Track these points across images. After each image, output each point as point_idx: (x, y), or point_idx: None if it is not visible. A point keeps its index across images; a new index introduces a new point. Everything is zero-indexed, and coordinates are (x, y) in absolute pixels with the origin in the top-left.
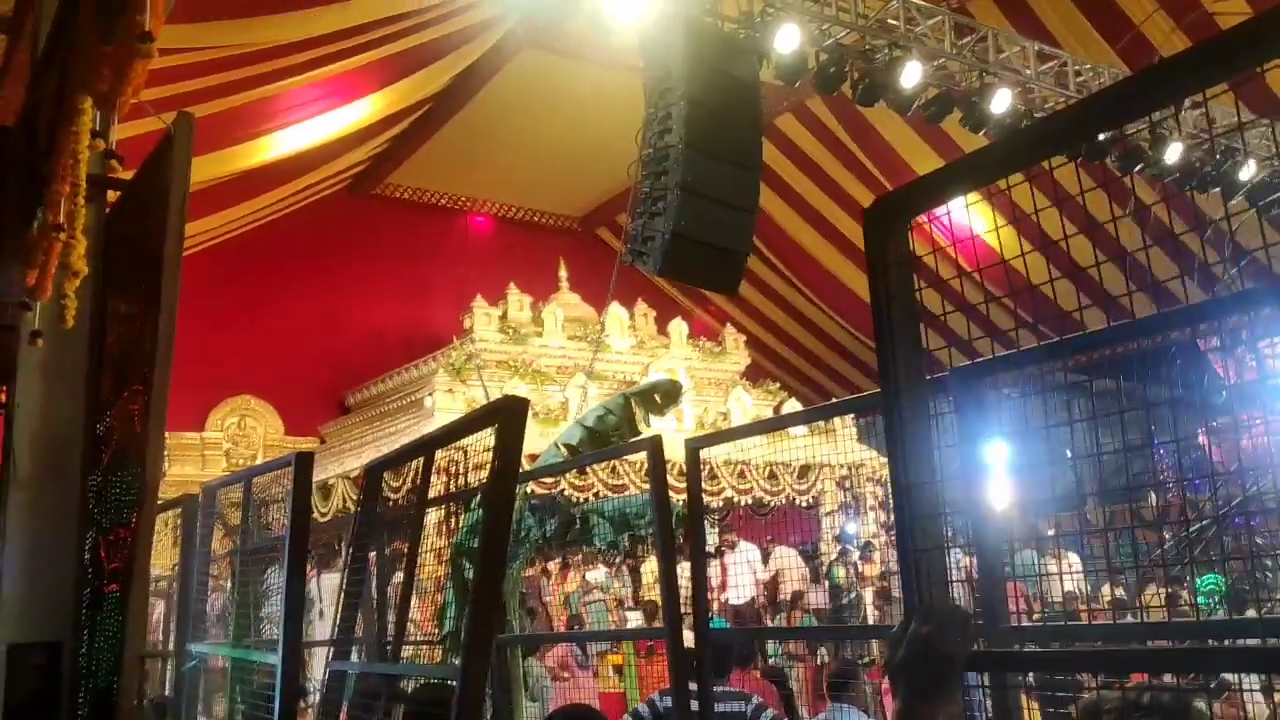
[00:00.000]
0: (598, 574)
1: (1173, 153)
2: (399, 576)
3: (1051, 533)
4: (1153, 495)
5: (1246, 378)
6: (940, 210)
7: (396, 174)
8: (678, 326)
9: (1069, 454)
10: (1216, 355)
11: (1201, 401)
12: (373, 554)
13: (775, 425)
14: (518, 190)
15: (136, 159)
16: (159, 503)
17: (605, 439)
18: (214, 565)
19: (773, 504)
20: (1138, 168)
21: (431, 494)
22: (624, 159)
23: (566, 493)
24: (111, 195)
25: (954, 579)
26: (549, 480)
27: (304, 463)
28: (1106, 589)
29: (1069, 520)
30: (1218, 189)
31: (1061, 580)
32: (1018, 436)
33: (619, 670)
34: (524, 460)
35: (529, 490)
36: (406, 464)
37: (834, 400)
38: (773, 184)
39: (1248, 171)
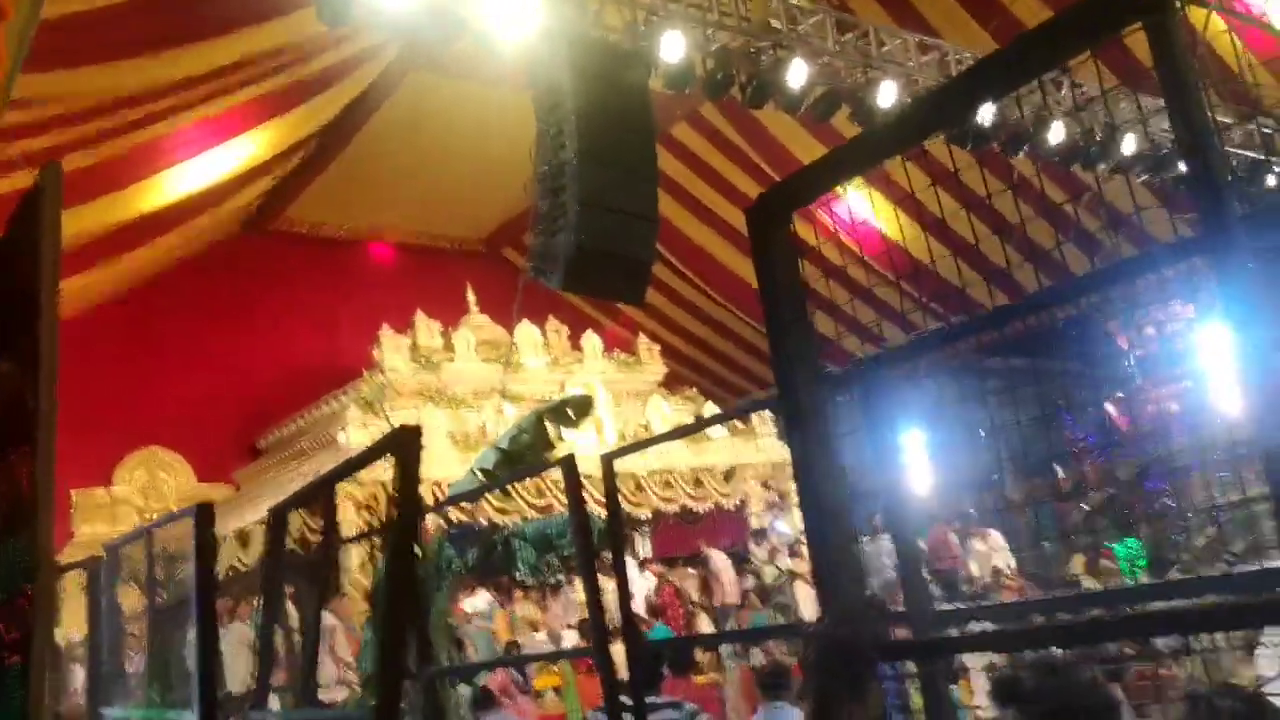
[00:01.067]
0: (477, 601)
1: (1056, 133)
2: (324, 617)
3: (973, 511)
4: (1059, 469)
5: (1149, 348)
6: (835, 202)
7: (293, 208)
8: (591, 340)
9: (982, 433)
10: (1117, 328)
11: (1105, 374)
12: (289, 598)
13: (685, 432)
14: (419, 216)
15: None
16: (65, 564)
17: (520, 459)
18: (132, 625)
19: (700, 510)
20: (1023, 150)
21: (354, 532)
22: (524, 176)
23: (492, 519)
24: None
25: (883, 565)
26: (470, 507)
27: (204, 515)
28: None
29: (988, 498)
30: (1102, 164)
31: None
32: (931, 420)
33: (558, 690)
34: (444, 489)
35: (448, 520)
36: (315, 503)
37: (742, 402)
38: (674, 192)
39: (1129, 145)
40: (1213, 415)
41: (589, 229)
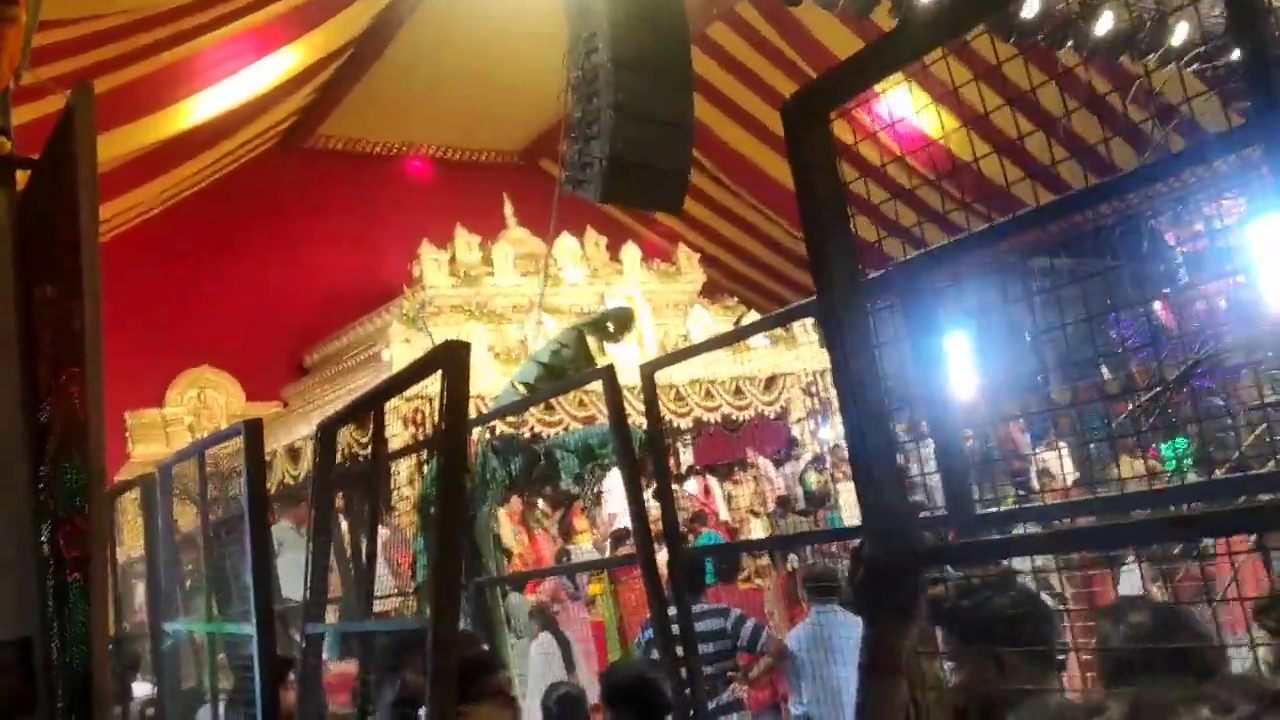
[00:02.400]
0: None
1: (1103, 22)
2: (378, 531)
3: (1019, 415)
4: (1105, 370)
5: (1197, 245)
6: (874, 101)
7: (328, 124)
8: (630, 251)
9: (1027, 336)
10: (1165, 224)
11: (1152, 272)
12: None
13: (724, 342)
14: (454, 130)
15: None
16: (120, 483)
17: (561, 373)
18: (188, 542)
19: (742, 419)
20: (1069, 43)
21: (399, 445)
22: (558, 86)
23: (536, 430)
24: (21, 177)
25: (923, 473)
26: (514, 420)
27: (254, 431)
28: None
29: (1034, 403)
30: (1151, 55)
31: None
32: (974, 323)
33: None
34: (486, 403)
35: (491, 432)
36: (365, 418)
37: (781, 309)
38: (710, 96)
39: (1180, 34)
40: (1263, 312)
41: (623, 137)
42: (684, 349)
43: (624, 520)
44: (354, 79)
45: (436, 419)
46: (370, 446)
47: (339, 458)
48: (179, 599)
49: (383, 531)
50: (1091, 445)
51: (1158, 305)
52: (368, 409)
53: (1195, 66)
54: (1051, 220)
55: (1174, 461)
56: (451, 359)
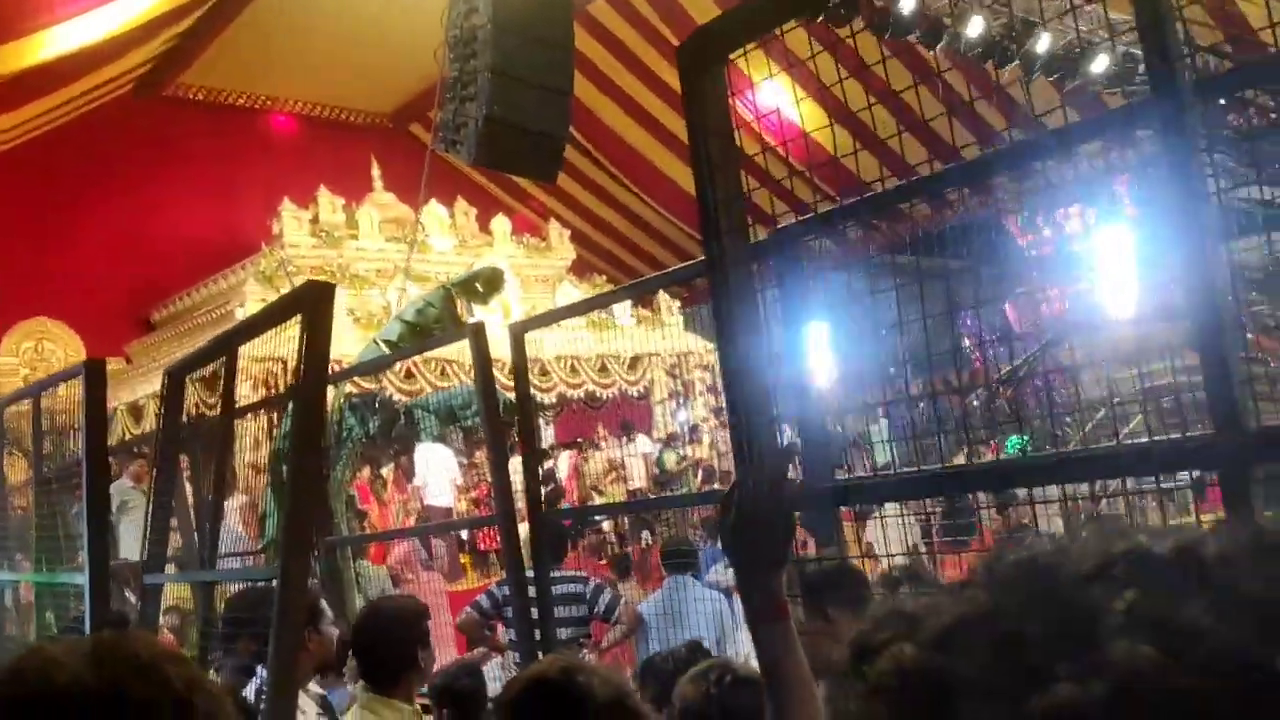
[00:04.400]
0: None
1: (974, 27)
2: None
3: (871, 402)
4: (956, 364)
5: (1047, 249)
6: (747, 90)
7: (189, 74)
8: (500, 223)
9: (884, 330)
10: (1018, 227)
11: (1005, 273)
12: (185, 464)
13: (597, 304)
14: (322, 86)
15: None
16: None
17: (427, 332)
18: (18, 494)
19: (605, 396)
20: (941, 42)
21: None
22: (434, 48)
23: (395, 398)
24: None
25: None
26: (372, 384)
27: (95, 372)
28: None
29: (888, 392)
30: (1016, 63)
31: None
32: (836, 315)
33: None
34: (342, 368)
35: (347, 391)
36: (213, 369)
37: (654, 276)
38: (589, 73)
39: (1043, 44)
40: (1106, 315)
41: (500, 100)
42: (555, 310)
43: (434, 494)
44: (218, 27)
45: (295, 362)
46: (221, 395)
47: (184, 418)
48: (8, 550)
49: (233, 498)
50: (939, 436)
51: (1008, 305)
52: (220, 352)
53: (1055, 77)
54: (908, 199)
55: (1018, 454)
56: (314, 300)
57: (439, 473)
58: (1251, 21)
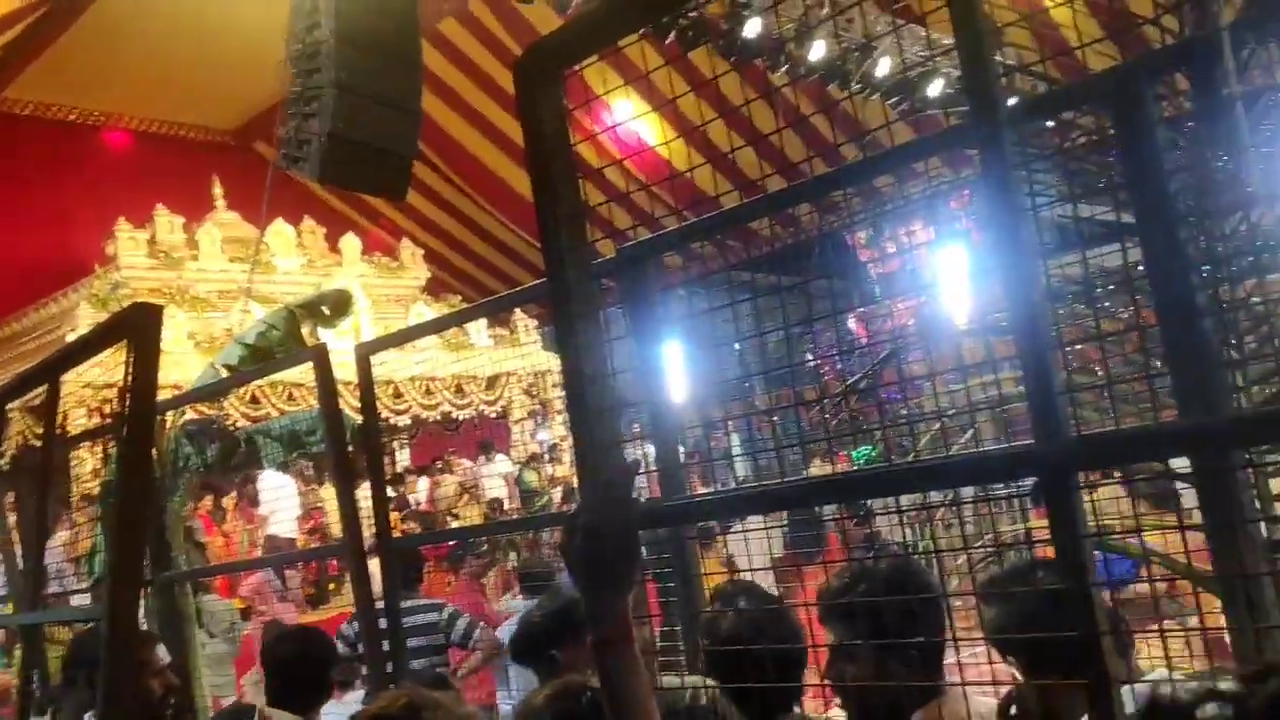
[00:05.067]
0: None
1: (816, 51)
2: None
3: (723, 417)
4: (804, 379)
5: (890, 266)
6: (600, 107)
7: (16, 86)
8: (350, 242)
9: (736, 345)
10: (862, 246)
11: (850, 289)
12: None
13: (445, 324)
14: (161, 102)
15: None
16: None
17: (269, 355)
18: None
19: (462, 418)
20: (784, 67)
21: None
22: (277, 61)
23: (239, 424)
24: None
25: (639, 470)
26: (215, 409)
27: None
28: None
29: (738, 407)
30: (858, 86)
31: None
32: (689, 333)
33: (310, 600)
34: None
35: (183, 417)
36: (33, 396)
37: (505, 295)
38: (441, 92)
39: (882, 69)
40: (945, 329)
41: (345, 116)
42: (401, 331)
43: (278, 524)
44: (48, 39)
45: (121, 394)
46: (44, 425)
47: (13, 449)
48: None
49: (64, 531)
50: (788, 449)
51: (852, 321)
52: (41, 380)
53: (893, 99)
54: (755, 217)
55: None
56: (139, 323)
57: (281, 502)
58: (1073, 44)
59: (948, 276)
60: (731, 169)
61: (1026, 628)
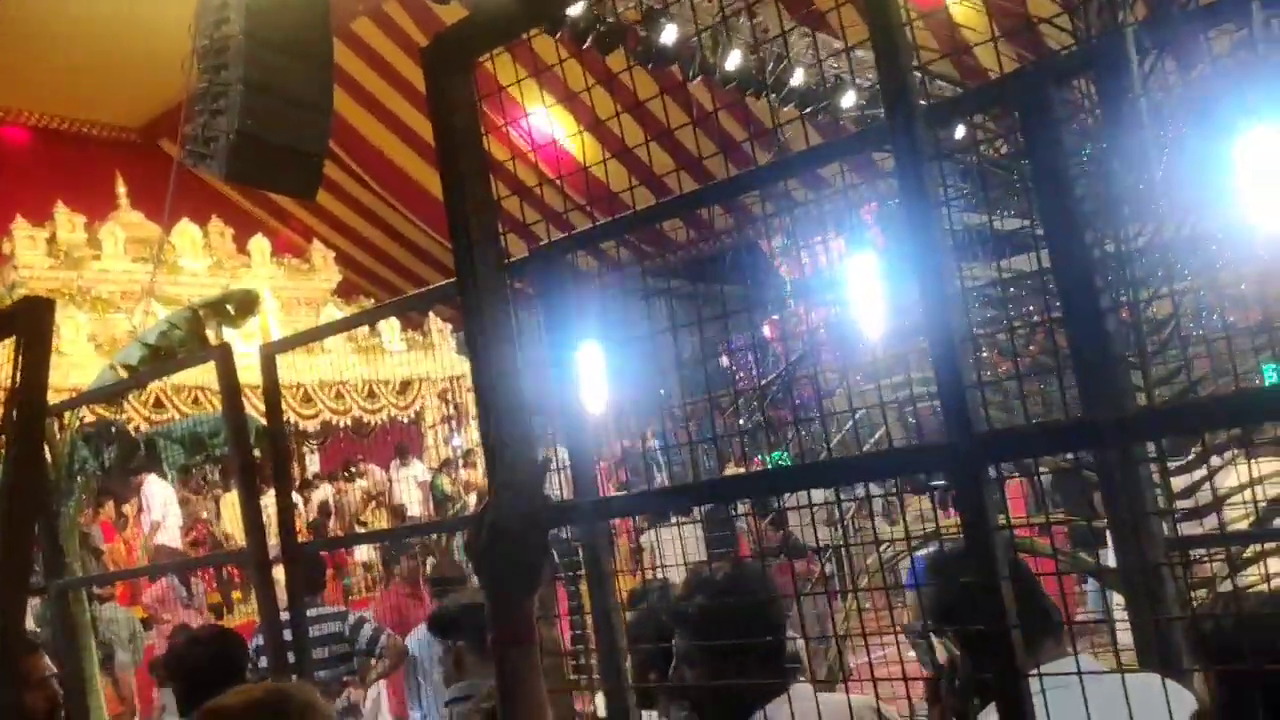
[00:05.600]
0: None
1: (732, 60)
2: None
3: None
4: (719, 385)
5: (804, 274)
6: (522, 116)
7: None
8: (259, 243)
9: (654, 352)
10: (777, 254)
11: (765, 297)
12: None
13: (352, 324)
14: (62, 97)
15: None
16: None
17: (171, 355)
18: None
19: (374, 423)
20: (699, 75)
21: None
22: (184, 58)
23: (138, 426)
24: None
25: (548, 469)
26: (114, 411)
27: None
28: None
29: (658, 415)
30: (773, 94)
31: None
32: (608, 339)
33: (215, 609)
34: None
35: (80, 419)
36: None
37: (414, 294)
38: (353, 92)
39: (797, 78)
40: (856, 336)
41: (254, 114)
42: (308, 331)
43: (164, 531)
44: None
45: (10, 387)
46: None
47: None
48: None
49: None
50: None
51: (767, 327)
52: None
53: (809, 109)
54: (663, 218)
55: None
56: (32, 318)
57: (165, 509)
58: (977, 52)
59: (859, 283)
60: (648, 175)
61: (957, 609)
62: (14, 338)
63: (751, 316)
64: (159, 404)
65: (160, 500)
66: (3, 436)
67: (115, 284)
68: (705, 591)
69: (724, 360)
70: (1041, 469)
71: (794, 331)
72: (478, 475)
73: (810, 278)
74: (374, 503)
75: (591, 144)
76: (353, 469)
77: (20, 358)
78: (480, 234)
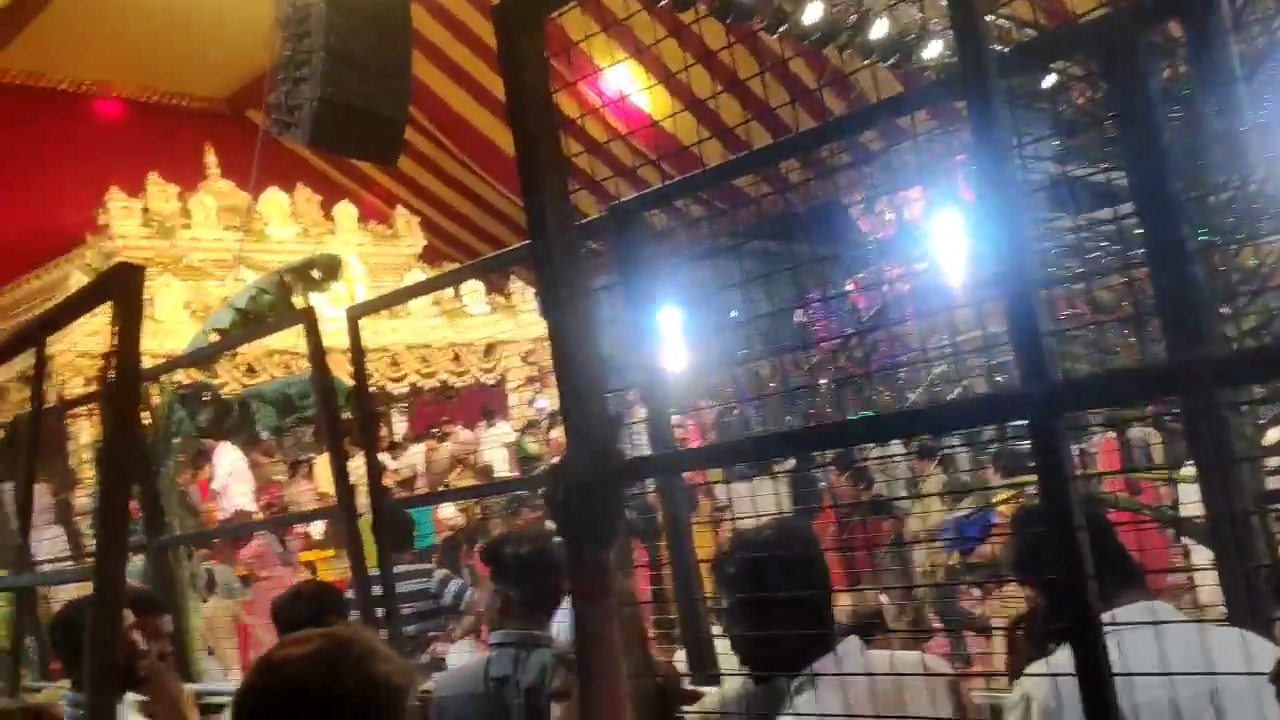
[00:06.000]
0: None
1: (812, 13)
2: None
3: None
4: (804, 346)
5: (887, 232)
6: (597, 75)
7: (4, 56)
8: (345, 210)
9: (734, 314)
10: (860, 212)
11: (848, 256)
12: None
13: (436, 285)
14: (153, 70)
15: None
16: None
17: (260, 320)
18: None
19: (459, 386)
20: (782, 28)
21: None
22: (269, 27)
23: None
24: None
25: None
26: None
27: None
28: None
29: (740, 376)
30: (851, 48)
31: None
32: (688, 302)
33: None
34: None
35: (176, 383)
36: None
37: (495, 255)
38: (431, 56)
39: (878, 30)
40: (941, 293)
41: (335, 81)
42: (393, 293)
43: (232, 497)
44: (36, 8)
45: (108, 351)
46: (31, 390)
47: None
48: None
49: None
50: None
51: (851, 286)
52: (25, 345)
53: (891, 62)
54: (748, 170)
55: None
56: (124, 284)
57: (231, 476)
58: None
59: (944, 240)
60: (722, 129)
61: (1034, 557)
62: (110, 301)
63: (832, 274)
64: (251, 370)
65: (226, 467)
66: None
67: (207, 252)
68: (747, 548)
69: (804, 318)
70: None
71: (880, 291)
72: (562, 435)
73: (894, 234)
74: (460, 467)
75: (664, 98)
76: (437, 431)
77: (115, 322)
78: (551, 191)
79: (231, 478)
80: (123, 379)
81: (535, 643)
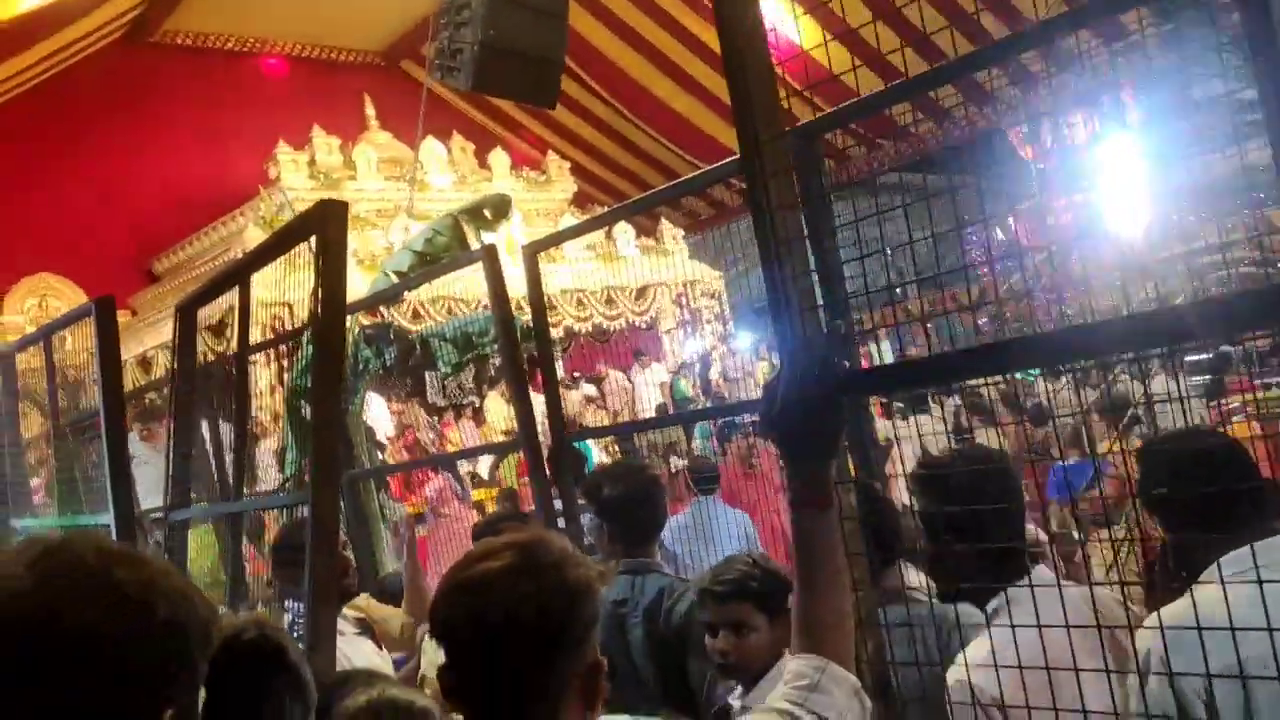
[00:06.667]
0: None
1: None
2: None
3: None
4: (963, 281)
5: (1050, 161)
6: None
7: (174, 19)
8: (499, 157)
9: (889, 250)
10: (1021, 140)
11: (1009, 188)
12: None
13: (610, 219)
14: (312, 27)
15: None
16: None
17: (436, 260)
18: (32, 447)
19: (612, 329)
20: None
21: (260, 356)
22: None
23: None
24: None
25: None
26: (384, 315)
27: (105, 309)
28: None
29: (891, 312)
30: None
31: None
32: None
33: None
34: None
35: (360, 324)
36: (220, 317)
37: (673, 185)
38: (584, 1)
39: None
40: (1107, 227)
41: (496, 23)
42: (567, 229)
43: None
44: None
45: (313, 285)
46: (237, 328)
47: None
48: (26, 497)
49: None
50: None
51: (1013, 219)
52: (232, 282)
53: None
54: (924, 90)
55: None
56: (326, 220)
57: (378, 419)
58: None
59: (1112, 170)
60: (874, 56)
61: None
62: (314, 235)
63: (993, 211)
64: (416, 315)
65: (376, 413)
66: (294, 342)
67: (370, 202)
68: (961, 461)
69: (967, 255)
70: None
71: (1044, 224)
72: (714, 377)
73: (1060, 164)
74: (592, 406)
75: (812, 27)
76: (586, 376)
77: (319, 256)
78: (762, 103)
79: (376, 421)
80: (328, 313)
81: (647, 569)
